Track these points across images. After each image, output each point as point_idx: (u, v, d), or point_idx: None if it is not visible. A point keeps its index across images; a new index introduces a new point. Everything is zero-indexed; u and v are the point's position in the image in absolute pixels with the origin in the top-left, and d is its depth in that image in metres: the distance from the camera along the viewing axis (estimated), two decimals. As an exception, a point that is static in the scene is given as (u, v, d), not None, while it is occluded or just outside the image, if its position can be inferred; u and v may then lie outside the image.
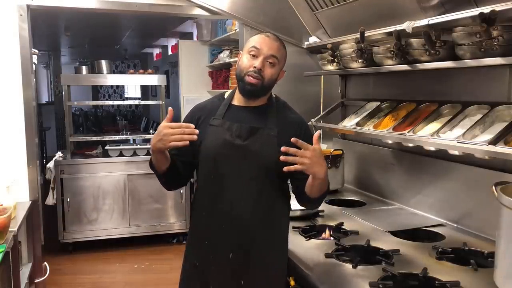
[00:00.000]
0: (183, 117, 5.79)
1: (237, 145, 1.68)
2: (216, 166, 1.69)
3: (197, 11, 3.48)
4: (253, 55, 1.68)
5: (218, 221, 1.70)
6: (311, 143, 1.75)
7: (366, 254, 1.84)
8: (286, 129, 1.72)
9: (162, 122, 1.58)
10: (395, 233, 2.11)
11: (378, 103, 2.59)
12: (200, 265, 1.74)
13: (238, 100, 1.78)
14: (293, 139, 1.51)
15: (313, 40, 3.07)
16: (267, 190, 1.71)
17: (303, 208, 2.23)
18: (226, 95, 1.83)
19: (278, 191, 1.75)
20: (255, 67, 1.66)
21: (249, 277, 1.70)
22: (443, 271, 1.65)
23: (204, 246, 1.73)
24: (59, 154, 4.83)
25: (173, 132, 1.53)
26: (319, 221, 2.31)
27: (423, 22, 1.89)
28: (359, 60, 2.36)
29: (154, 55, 9.86)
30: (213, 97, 1.88)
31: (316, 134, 1.57)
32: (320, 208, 2.41)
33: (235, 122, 1.71)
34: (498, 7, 1.57)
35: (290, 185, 1.84)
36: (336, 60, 2.61)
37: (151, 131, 6.91)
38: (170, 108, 1.59)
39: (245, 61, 1.70)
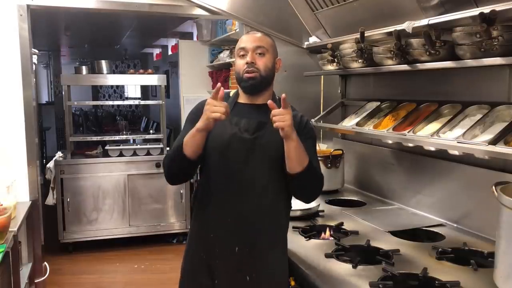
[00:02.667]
0: (183, 117, 5.74)
1: (245, 138, 1.71)
2: (224, 159, 1.70)
3: (197, 11, 3.48)
4: (243, 55, 1.74)
5: (224, 215, 1.71)
6: (312, 138, 1.80)
7: (366, 254, 1.84)
8: None
9: (209, 98, 1.61)
10: (395, 233, 2.11)
11: (378, 103, 2.59)
12: (206, 258, 1.74)
13: (244, 98, 1.81)
14: (269, 102, 1.57)
15: (313, 40, 3.07)
16: (272, 184, 1.72)
17: (303, 208, 2.25)
18: (231, 94, 1.86)
19: (282, 186, 1.76)
20: (247, 62, 1.71)
21: (254, 273, 1.70)
22: (443, 271, 1.65)
23: (210, 240, 1.74)
24: (59, 154, 4.83)
25: (216, 105, 1.59)
26: (319, 221, 2.31)
27: (423, 22, 1.89)
28: (359, 60, 2.36)
29: (154, 55, 9.86)
30: None
31: (283, 96, 1.59)
32: (320, 208, 2.42)
33: (243, 118, 1.74)
34: (498, 7, 1.57)
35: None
36: (336, 60, 2.61)
37: (151, 131, 6.92)
38: (219, 84, 1.62)
39: (238, 63, 1.76)
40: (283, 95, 1.59)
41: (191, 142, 1.67)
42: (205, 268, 1.74)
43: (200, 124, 1.62)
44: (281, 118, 1.57)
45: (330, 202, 2.69)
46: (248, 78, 1.71)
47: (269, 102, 1.58)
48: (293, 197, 1.82)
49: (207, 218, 1.76)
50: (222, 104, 1.59)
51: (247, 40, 1.75)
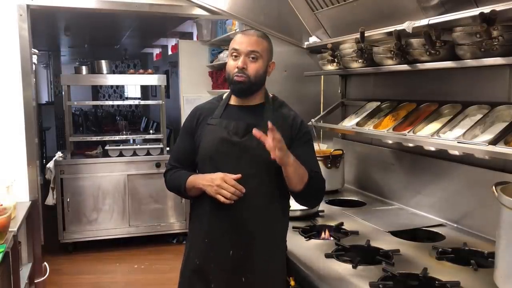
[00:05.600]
0: (183, 117, 5.74)
1: (234, 142, 1.70)
2: (215, 164, 1.70)
3: (197, 11, 3.48)
4: (235, 56, 1.72)
5: (217, 219, 1.71)
6: (308, 140, 1.79)
7: (366, 254, 1.84)
8: (283, 125, 1.73)
9: (223, 174, 1.63)
10: (395, 233, 2.11)
11: (378, 103, 2.59)
12: (201, 263, 1.74)
13: (235, 100, 1.81)
14: (269, 125, 1.52)
15: (313, 40, 3.07)
16: (266, 186, 1.71)
17: (303, 208, 2.24)
18: (224, 96, 1.85)
19: (277, 188, 1.75)
20: (237, 67, 1.69)
21: (250, 274, 1.70)
22: (443, 271, 1.65)
23: (205, 244, 1.74)
24: (59, 154, 4.82)
25: (226, 187, 1.61)
26: (319, 221, 2.31)
27: (423, 22, 1.89)
28: (359, 60, 2.36)
29: (154, 55, 9.86)
30: (212, 99, 1.90)
31: (269, 123, 1.54)
32: (320, 208, 2.41)
33: (232, 120, 1.74)
34: (498, 7, 1.57)
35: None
36: (336, 60, 2.61)
37: (151, 131, 6.92)
38: (239, 175, 1.63)
39: (230, 63, 1.74)
40: (269, 124, 1.52)
41: (194, 192, 1.73)
42: (200, 274, 1.74)
43: (205, 187, 1.66)
44: (275, 148, 1.51)
45: (330, 202, 2.69)
46: (237, 81, 1.70)
47: (269, 125, 1.52)
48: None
49: (201, 224, 1.76)
50: (232, 189, 1.61)
51: (241, 42, 1.71)
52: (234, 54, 1.72)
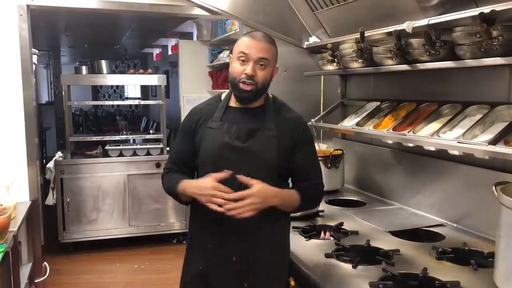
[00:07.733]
0: (183, 117, 5.77)
1: (237, 147, 1.67)
2: (216, 169, 1.65)
3: (197, 11, 3.48)
4: (243, 61, 1.65)
5: (219, 225, 1.68)
6: (309, 143, 1.77)
7: (366, 254, 1.84)
8: (285, 128, 1.72)
9: (211, 179, 1.58)
10: (395, 233, 2.11)
11: (378, 103, 2.59)
12: (204, 268, 1.73)
13: (235, 101, 1.76)
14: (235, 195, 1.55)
15: (313, 40, 3.07)
16: None
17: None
18: (222, 97, 1.81)
19: None
20: (246, 73, 1.64)
21: (252, 280, 1.69)
22: (443, 271, 1.65)
23: (207, 250, 1.72)
24: (59, 154, 4.82)
25: (220, 196, 1.57)
26: (319, 221, 2.31)
27: (423, 22, 1.89)
28: (359, 60, 2.36)
29: (154, 55, 9.86)
30: (210, 99, 1.86)
31: (240, 177, 1.58)
32: (320, 208, 2.41)
33: (234, 124, 1.70)
34: (498, 7, 1.57)
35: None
36: (336, 60, 2.61)
37: (151, 131, 6.92)
38: (228, 172, 1.59)
39: (236, 67, 1.67)
40: (241, 178, 1.57)
41: (186, 198, 1.70)
42: (203, 279, 1.73)
43: (195, 195, 1.62)
44: (251, 207, 1.55)
45: (330, 202, 2.69)
46: (244, 90, 1.65)
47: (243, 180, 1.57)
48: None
49: (203, 229, 1.74)
50: (224, 195, 1.55)
51: (251, 47, 1.64)
52: (242, 58, 1.65)
